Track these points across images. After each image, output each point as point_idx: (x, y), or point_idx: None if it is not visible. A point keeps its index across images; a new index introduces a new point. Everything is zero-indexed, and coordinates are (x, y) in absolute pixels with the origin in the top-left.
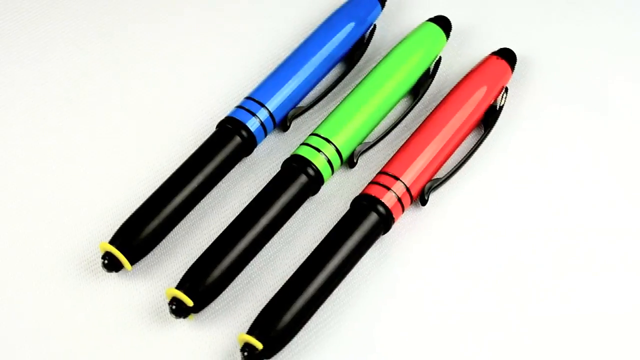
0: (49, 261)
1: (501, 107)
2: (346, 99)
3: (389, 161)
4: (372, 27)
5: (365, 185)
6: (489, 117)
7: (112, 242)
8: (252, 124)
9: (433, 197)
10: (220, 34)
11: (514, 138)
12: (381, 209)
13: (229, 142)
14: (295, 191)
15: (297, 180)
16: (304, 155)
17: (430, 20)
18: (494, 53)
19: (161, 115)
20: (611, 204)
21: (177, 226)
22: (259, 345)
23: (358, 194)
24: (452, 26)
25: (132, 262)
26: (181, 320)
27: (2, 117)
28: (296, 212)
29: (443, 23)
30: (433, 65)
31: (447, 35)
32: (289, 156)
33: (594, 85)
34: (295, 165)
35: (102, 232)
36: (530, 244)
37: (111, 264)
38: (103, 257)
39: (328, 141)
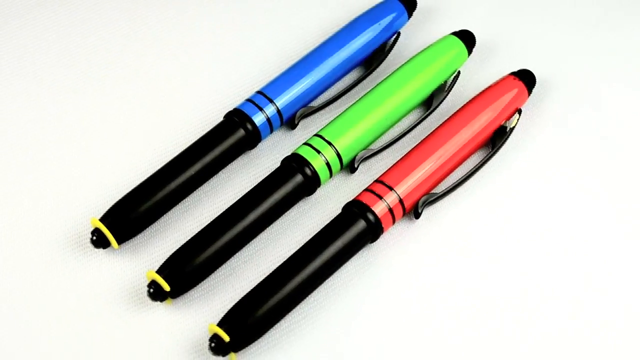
0: (43, 232)
1: (512, 129)
2: (355, 104)
3: (386, 170)
4: (396, 34)
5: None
6: (498, 137)
7: (102, 219)
8: (258, 118)
9: (428, 212)
10: (243, 26)
11: (521, 160)
12: (370, 217)
13: (232, 133)
14: (289, 190)
15: (293, 179)
16: (303, 155)
17: (454, 33)
18: (512, 73)
19: (173, 101)
20: (609, 235)
21: (170, 211)
22: (226, 338)
23: (350, 200)
24: (477, 41)
25: (120, 241)
26: (158, 303)
27: (8, 89)
28: (289, 211)
29: (467, 38)
30: (451, 79)
31: (470, 51)
32: (289, 154)
33: (611, 117)
34: (292, 164)
35: (99, 209)
36: (519, 270)
37: (99, 240)
38: (92, 233)
39: (329, 144)
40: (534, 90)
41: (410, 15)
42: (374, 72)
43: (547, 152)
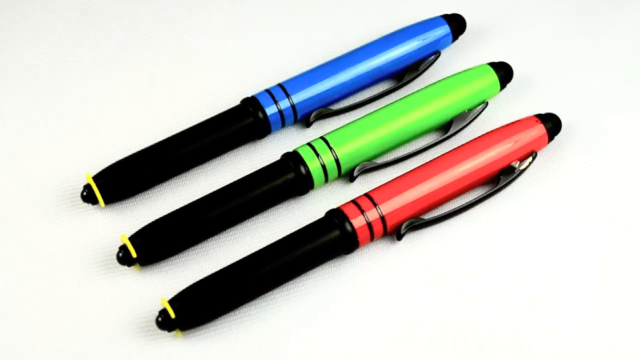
0: (39, 185)
1: (522, 171)
2: (368, 115)
3: (378, 186)
4: (436, 53)
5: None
6: (504, 176)
7: (95, 176)
8: (270, 110)
9: (414, 236)
10: (282, 21)
11: (522, 202)
12: (347, 227)
13: (241, 119)
14: (278, 185)
15: (285, 175)
16: (302, 154)
17: (491, 64)
18: (537, 115)
19: (196, 81)
20: (593, 281)
21: (165, 183)
22: (172, 315)
23: (335, 208)
24: (516, 75)
25: (107, 201)
26: (126, 268)
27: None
28: (278, 207)
29: (504, 70)
30: (477, 109)
31: (504, 84)
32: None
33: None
34: (289, 161)
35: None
36: (490, 312)
37: (88, 196)
38: (84, 188)
39: (330, 148)
40: (557, 137)
41: (455, 37)
42: (403, 88)
43: (550, 199)
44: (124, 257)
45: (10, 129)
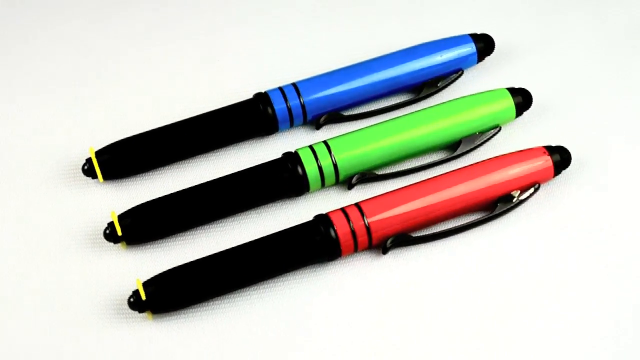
0: (45, 155)
1: (520, 202)
2: (375, 125)
3: (370, 198)
4: (458, 71)
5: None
6: (501, 204)
7: (98, 151)
8: (279, 106)
9: (400, 253)
10: (314, 24)
11: (517, 233)
12: (330, 234)
13: (250, 113)
14: (273, 183)
15: (280, 174)
16: (300, 155)
17: (510, 89)
18: (547, 146)
19: (217, 73)
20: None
21: (165, 167)
22: (143, 297)
23: (326, 213)
24: (536, 102)
25: (106, 177)
26: (112, 245)
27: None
28: (271, 206)
29: (522, 97)
30: (489, 133)
31: (521, 111)
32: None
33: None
34: (287, 161)
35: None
36: (460, 346)
37: (89, 170)
38: (85, 162)
39: (330, 153)
40: (567, 171)
41: (481, 58)
42: (419, 102)
43: (547, 234)
44: (110, 234)
45: (39, 97)
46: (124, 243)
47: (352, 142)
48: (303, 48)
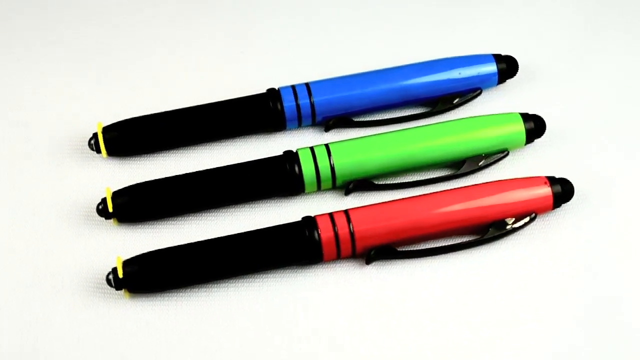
0: (53, 129)
1: (513, 230)
2: (379, 134)
3: (360, 206)
4: (477, 91)
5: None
6: (493, 229)
7: (106, 128)
8: (288, 104)
9: (384, 266)
10: (342, 27)
11: (505, 260)
12: (313, 237)
13: (259, 107)
14: (267, 179)
15: (275, 171)
16: (300, 155)
17: (523, 114)
18: (549, 177)
19: (239, 62)
20: None
21: (170, 151)
22: (120, 275)
23: (313, 216)
24: (551, 129)
25: (110, 153)
26: (104, 221)
27: None
28: (266, 203)
29: (535, 124)
30: (495, 156)
31: (532, 138)
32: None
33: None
34: (285, 159)
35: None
36: None
37: (95, 145)
38: (92, 136)
39: (330, 157)
40: (569, 205)
41: (502, 79)
42: (432, 117)
43: (538, 266)
44: (102, 210)
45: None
46: (115, 220)
47: (353, 148)
48: (330, 50)
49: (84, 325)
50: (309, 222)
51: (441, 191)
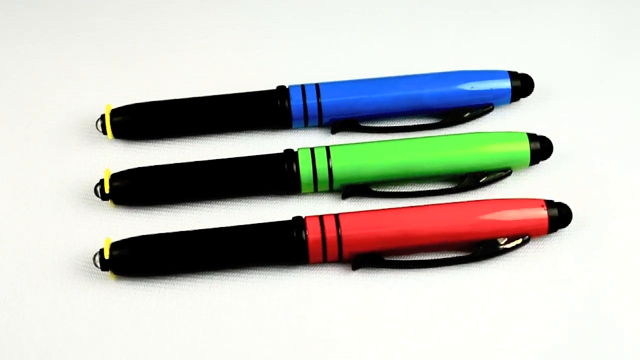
0: (64, 109)
1: (504, 250)
2: (381, 141)
3: (352, 212)
4: (488, 106)
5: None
6: (484, 247)
7: (114, 110)
8: (296, 103)
9: (371, 273)
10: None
11: (493, 280)
12: (300, 237)
13: (266, 103)
14: (265, 175)
15: (272, 168)
16: (299, 155)
17: (530, 135)
18: (547, 201)
19: (256, 57)
20: None
21: (174, 139)
22: (106, 257)
23: (304, 217)
24: (560, 152)
25: (116, 136)
26: (100, 202)
27: None
28: (262, 199)
29: (541, 145)
30: (496, 174)
31: (537, 159)
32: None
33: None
34: (284, 157)
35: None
36: None
37: (102, 127)
38: (99, 118)
39: (329, 159)
40: (568, 230)
41: (515, 97)
42: (439, 129)
43: (525, 290)
44: (100, 191)
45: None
46: (112, 202)
47: (353, 152)
48: (348, 54)
49: (68, 303)
50: (298, 223)
51: (434, 204)
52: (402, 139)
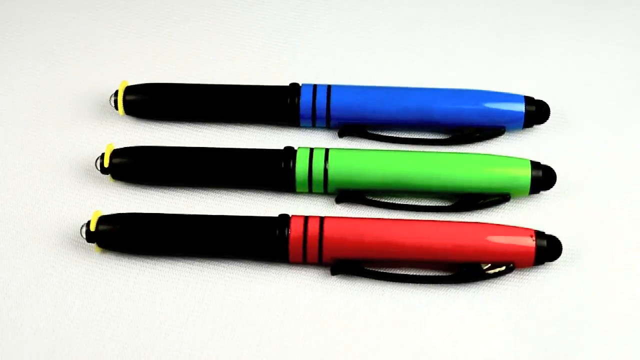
0: (78, 84)
1: (487, 275)
2: (383, 151)
3: (339, 217)
4: (500, 129)
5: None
6: (467, 270)
7: (128, 88)
8: (305, 101)
9: (349, 281)
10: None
11: (471, 304)
12: (283, 234)
13: (277, 99)
14: (262, 170)
15: (269, 163)
16: (297, 154)
17: (534, 163)
18: (537, 232)
19: (281, 53)
20: None
21: (184, 123)
22: (92, 228)
23: (290, 215)
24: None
25: (128, 113)
26: (100, 175)
27: None
28: (257, 193)
29: (544, 174)
30: (493, 198)
31: (538, 188)
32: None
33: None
34: (282, 154)
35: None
36: None
37: (115, 102)
38: (113, 94)
39: (326, 162)
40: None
41: (530, 123)
42: (447, 145)
43: (499, 318)
44: (100, 164)
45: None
46: (111, 176)
47: (351, 158)
48: (372, 61)
49: (52, 269)
50: (283, 220)
51: (420, 220)
52: (402, 151)
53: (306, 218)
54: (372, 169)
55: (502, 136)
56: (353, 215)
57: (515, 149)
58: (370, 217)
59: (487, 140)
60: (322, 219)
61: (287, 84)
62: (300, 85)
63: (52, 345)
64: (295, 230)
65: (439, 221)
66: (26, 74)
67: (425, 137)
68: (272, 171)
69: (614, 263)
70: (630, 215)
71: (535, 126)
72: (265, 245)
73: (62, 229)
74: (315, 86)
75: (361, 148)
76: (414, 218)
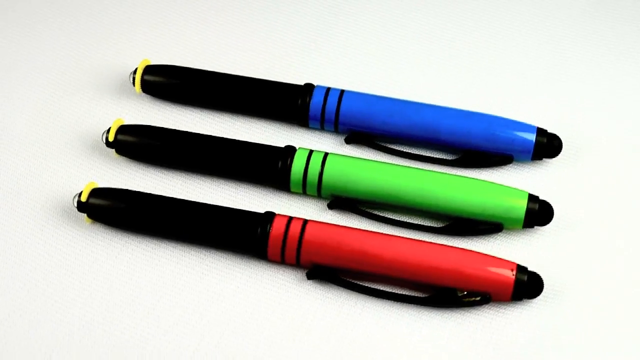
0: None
1: (462, 302)
2: (381, 162)
3: (324, 222)
4: (507, 157)
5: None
6: (442, 296)
7: (148, 67)
8: (315, 103)
9: (324, 288)
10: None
11: (436, 327)
12: (264, 231)
13: (289, 97)
14: (259, 165)
15: (266, 160)
16: (296, 154)
17: (532, 196)
18: (520, 266)
19: (311, 52)
20: None
21: (194, 108)
22: (84, 199)
23: (275, 213)
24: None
25: (145, 91)
26: (106, 149)
27: None
28: (254, 188)
29: (540, 209)
30: (485, 226)
31: (532, 222)
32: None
33: None
34: (281, 152)
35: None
36: None
37: (133, 80)
38: (132, 71)
39: (323, 166)
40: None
41: (538, 156)
42: (450, 166)
43: (467, 348)
44: (105, 138)
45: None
46: (115, 151)
47: (347, 165)
48: (392, 72)
49: (41, 235)
50: (267, 217)
51: (401, 237)
52: (398, 165)
53: (290, 218)
54: (366, 179)
55: (509, 165)
56: (342, 224)
57: (519, 180)
58: (359, 227)
59: (493, 167)
60: (305, 221)
61: (303, 83)
62: (313, 85)
63: (24, 306)
64: (277, 229)
65: (420, 240)
66: (52, 45)
67: (430, 155)
68: (269, 167)
69: (593, 307)
70: (623, 261)
71: (545, 159)
72: (246, 240)
73: (59, 196)
74: (328, 89)
75: (363, 157)
76: (402, 235)
